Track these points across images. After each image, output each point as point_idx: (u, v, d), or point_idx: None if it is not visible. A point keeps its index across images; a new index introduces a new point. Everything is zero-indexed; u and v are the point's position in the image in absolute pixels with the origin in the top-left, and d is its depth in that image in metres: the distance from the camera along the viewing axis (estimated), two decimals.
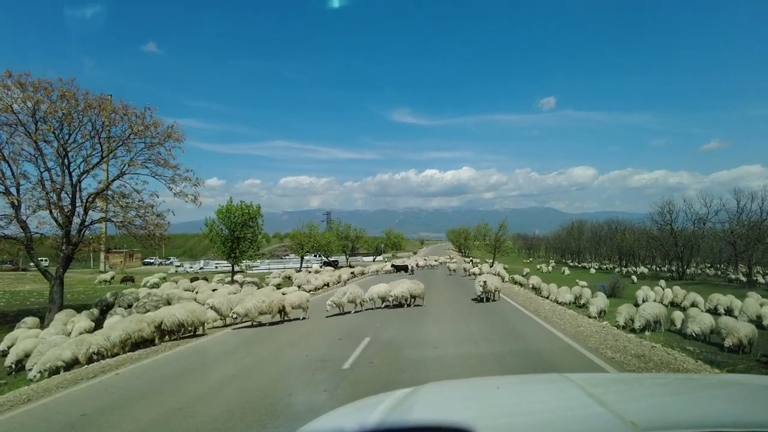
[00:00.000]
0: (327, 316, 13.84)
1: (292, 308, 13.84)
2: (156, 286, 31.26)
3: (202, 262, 66.31)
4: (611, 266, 74.91)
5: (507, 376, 5.35)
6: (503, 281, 27.41)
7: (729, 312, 18.81)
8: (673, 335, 14.71)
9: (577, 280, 36.75)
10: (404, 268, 37.09)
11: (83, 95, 16.07)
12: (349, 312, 14.56)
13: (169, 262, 75.93)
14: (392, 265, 38.10)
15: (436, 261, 54.22)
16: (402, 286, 15.65)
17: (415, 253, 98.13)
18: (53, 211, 16.36)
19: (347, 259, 66.10)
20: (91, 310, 17.15)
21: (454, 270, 37.55)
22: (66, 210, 16.45)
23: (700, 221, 49.31)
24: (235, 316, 12.54)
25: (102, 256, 55.51)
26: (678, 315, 14.63)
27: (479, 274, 29.44)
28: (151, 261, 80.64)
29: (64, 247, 16.42)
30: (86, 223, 17.34)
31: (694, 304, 20.06)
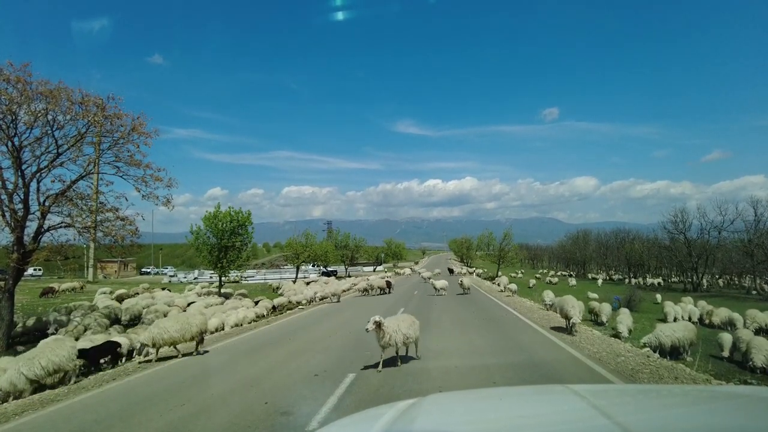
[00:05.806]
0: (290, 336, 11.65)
1: None
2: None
3: (196, 272, 64.01)
4: (619, 277, 72.48)
5: (510, 387, 5.15)
6: (512, 294, 25.18)
7: None
8: (718, 361, 12.48)
9: (588, 293, 34.42)
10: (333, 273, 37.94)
11: (39, 83, 14.15)
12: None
13: (165, 272, 73.77)
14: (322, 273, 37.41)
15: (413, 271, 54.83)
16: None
17: (416, 263, 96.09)
18: (6, 213, 14.43)
19: (346, 269, 64.15)
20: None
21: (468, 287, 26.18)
22: (18, 213, 14.47)
23: (716, 230, 47.03)
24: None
25: (90, 263, 53.69)
26: (726, 337, 12.35)
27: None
28: (148, 270, 78.77)
29: (14, 255, 14.41)
30: (43, 229, 15.36)
31: (731, 322, 17.77)
